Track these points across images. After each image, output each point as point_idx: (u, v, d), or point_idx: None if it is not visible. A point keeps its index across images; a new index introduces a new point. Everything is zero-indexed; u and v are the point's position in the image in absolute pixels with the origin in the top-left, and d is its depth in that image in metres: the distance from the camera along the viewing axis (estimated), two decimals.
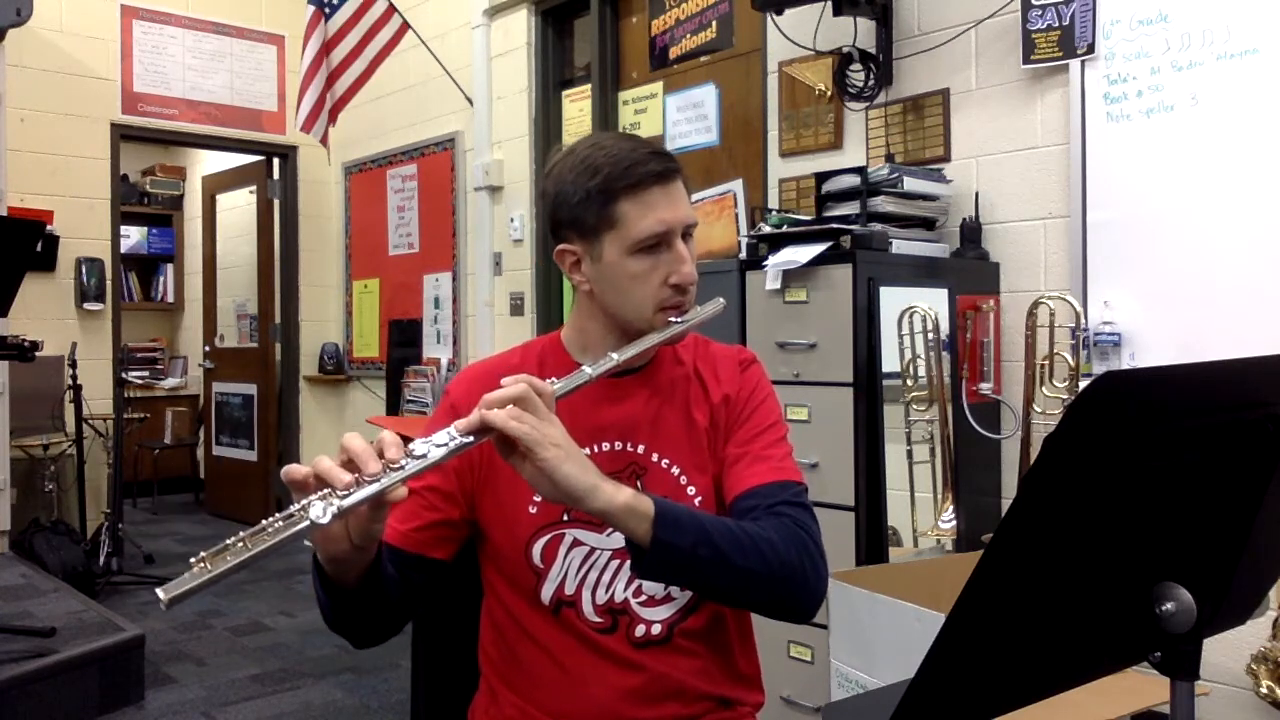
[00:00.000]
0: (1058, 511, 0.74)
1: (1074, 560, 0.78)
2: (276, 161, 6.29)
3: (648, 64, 4.22)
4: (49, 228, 5.23)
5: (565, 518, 1.25)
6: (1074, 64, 2.67)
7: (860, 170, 2.73)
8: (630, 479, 1.26)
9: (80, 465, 5.00)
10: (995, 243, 2.86)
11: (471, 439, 1.03)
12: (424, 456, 0.99)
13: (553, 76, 4.71)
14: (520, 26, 4.75)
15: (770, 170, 3.54)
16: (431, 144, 5.37)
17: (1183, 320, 2.49)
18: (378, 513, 1.00)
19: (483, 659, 1.34)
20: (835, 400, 2.47)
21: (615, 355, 1.17)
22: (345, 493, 0.95)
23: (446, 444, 1.01)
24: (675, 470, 1.28)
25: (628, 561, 1.23)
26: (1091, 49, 2.64)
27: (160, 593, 0.87)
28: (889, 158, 3.05)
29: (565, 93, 4.64)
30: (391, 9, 4.81)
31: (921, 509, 2.61)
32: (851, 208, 2.71)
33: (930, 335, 2.56)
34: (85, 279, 5.45)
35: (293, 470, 0.97)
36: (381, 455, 0.98)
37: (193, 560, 0.89)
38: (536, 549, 1.25)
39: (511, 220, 4.82)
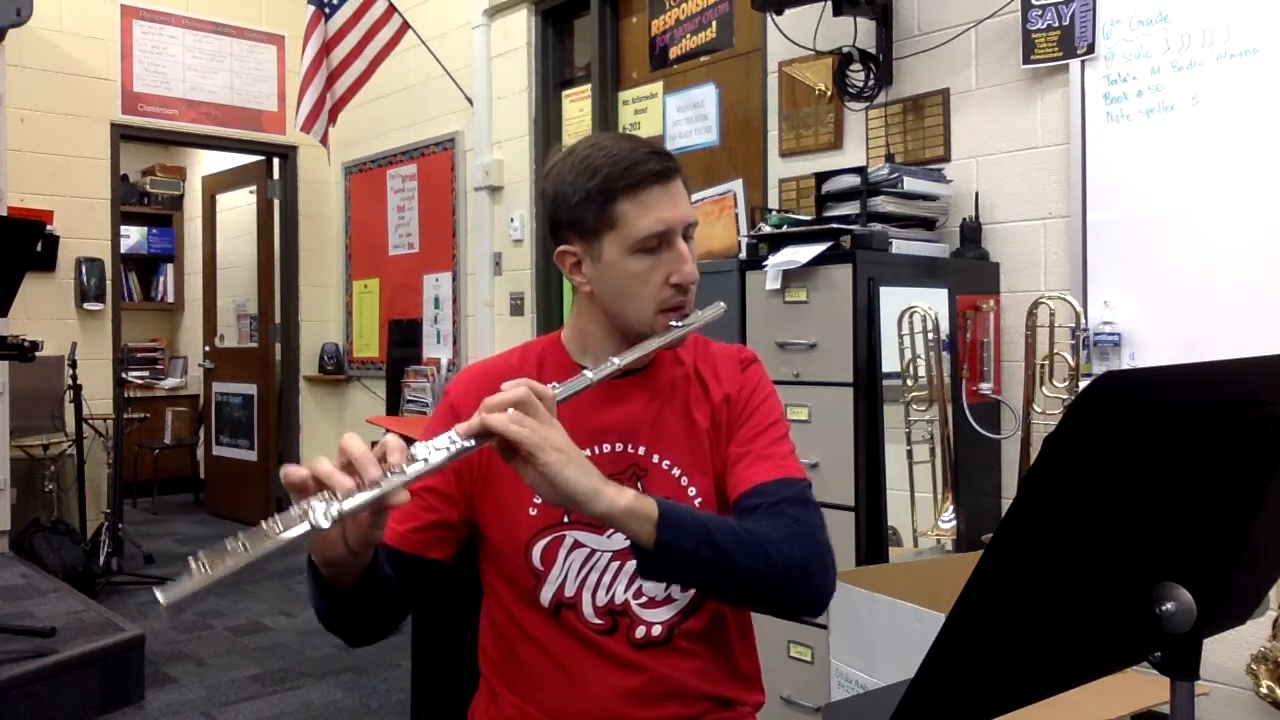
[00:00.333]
0: (1058, 511, 0.74)
1: (1074, 560, 0.78)
2: (276, 161, 6.29)
3: (648, 64, 4.22)
4: (49, 228, 5.23)
5: (565, 519, 1.24)
6: (1074, 64, 2.67)
7: (860, 170, 2.73)
8: (631, 480, 1.26)
9: (80, 465, 5.00)
10: (995, 243, 2.86)
11: (473, 443, 1.02)
12: (425, 461, 0.99)
13: (553, 76, 4.71)
14: (520, 26, 4.75)
15: (770, 170, 3.54)
16: (431, 144, 5.37)
17: (1183, 320, 2.49)
18: (378, 518, 1.00)
19: (483, 659, 1.34)
20: (835, 400, 2.47)
21: (616, 360, 1.17)
22: (346, 497, 0.94)
23: (448, 448, 1.01)
24: (676, 471, 1.28)
25: (628, 563, 1.24)
26: (1091, 49, 2.64)
27: (159, 595, 0.87)
28: (889, 158, 3.05)
29: (565, 93, 4.64)
30: (391, 9, 4.81)
31: (921, 509, 2.61)
32: (851, 208, 2.71)
33: (930, 335, 2.56)
34: (85, 279, 5.45)
35: (292, 472, 0.97)
36: (383, 459, 0.98)
37: (191, 562, 0.88)
38: (536, 551, 1.25)
39: (511, 220, 4.82)
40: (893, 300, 2.51)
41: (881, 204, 2.69)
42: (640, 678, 1.24)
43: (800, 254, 2.50)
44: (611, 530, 1.22)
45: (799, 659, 2.52)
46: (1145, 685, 1.72)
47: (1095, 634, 0.84)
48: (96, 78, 5.50)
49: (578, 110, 4.55)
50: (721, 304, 1.31)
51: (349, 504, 0.94)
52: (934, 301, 2.58)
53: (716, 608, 1.28)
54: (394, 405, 5.24)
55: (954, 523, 2.60)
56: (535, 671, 1.26)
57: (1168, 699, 0.87)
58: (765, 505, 1.20)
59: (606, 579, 1.25)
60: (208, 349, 6.91)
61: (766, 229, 2.71)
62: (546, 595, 1.25)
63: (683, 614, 1.26)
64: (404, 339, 5.41)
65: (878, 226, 2.64)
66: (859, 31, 3.15)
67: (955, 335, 2.66)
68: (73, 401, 4.78)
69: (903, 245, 2.66)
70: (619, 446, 1.28)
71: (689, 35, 4.01)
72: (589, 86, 4.46)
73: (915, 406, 2.60)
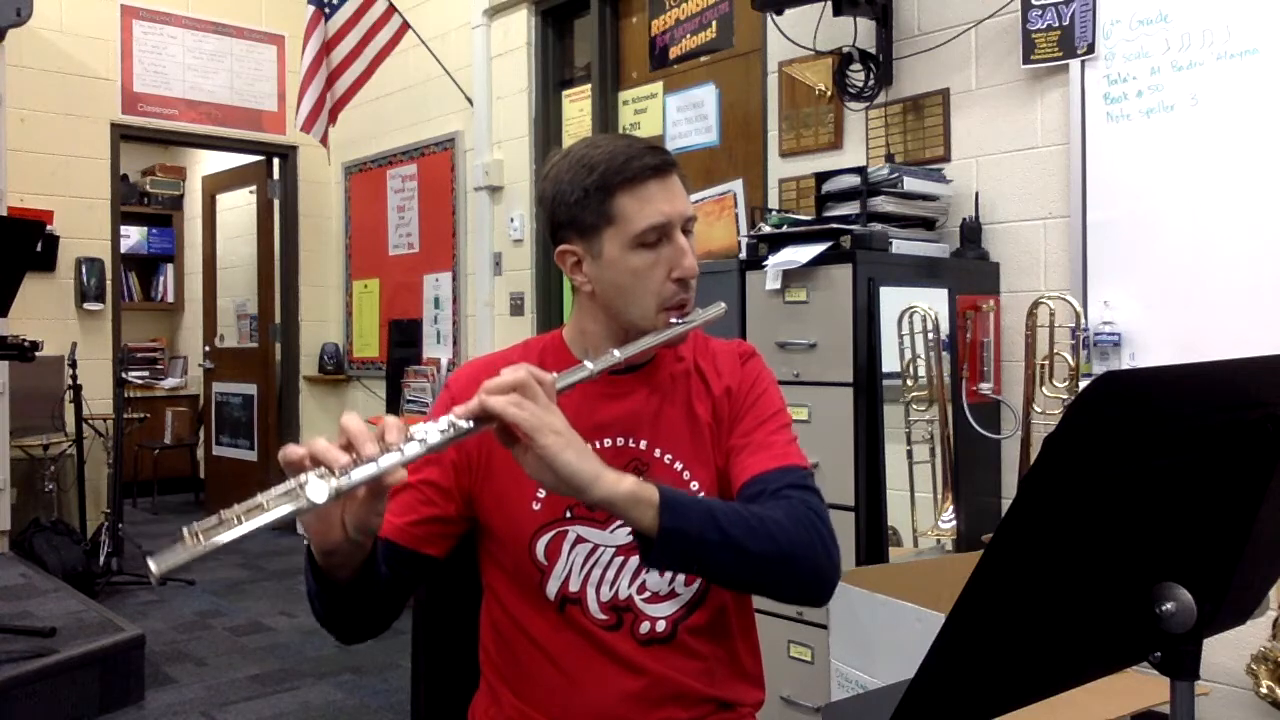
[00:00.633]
0: (1058, 511, 0.74)
1: (1074, 560, 0.78)
2: (276, 161, 6.29)
3: (648, 64, 4.22)
4: (49, 228, 5.23)
5: (568, 514, 1.25)
6: (1074, 64, 2.67)
7: (860, 170, 2.73)
8: (632, 474, 1.26)
9: (80, 465, 4.99)
10: (995, 243, 2.86)
11: (472, 424, 1.02)
12: (423, 440, 0.98)
13: (553, 76, 4.71)
14: (520, 26, 4.75)
15: (770, 170, 3.54)
16: (431, 144, 5.37)
17: (1183, 320, 2.49)
18: (375, 503, 0.99)
19: (483, 659, 1.34)
20: (835, 400, 2.47)
21: (617, 352, 1.17)
22: (343, 472, 0.93)
23: (446, 429, 1.00)
24: (678, 465, 1.28)
25: (632, 558, 1.24)
26: (1091, 49, 2.64)
27: (151, 564, 0.86)
28: (889, 158, 3.05)
29: (565, 93, 4.64)
30: (391, 9, 4.81)
31: (921, 509, 2.61)
32: (851, 208, 2.71)
33: (930, 335, 2.56)
34: (85, 279, 5.45)
35: (290, 451, 0.96)
36: (381, 438, 0.98)
37: (185, 531, 0.87)
38: (540, 546, 1.25)
39: (511, 220, 4.82)
40: (893, 300, 2.51)
41: (881, 204, 2.69)
42: (642, 680, 1.24)
43: (800, 254, 2.50)
44: (615, 525, 1.23)
45: (799, 659, 2.52)
46: (1145, 685, 1.72)
47: (1095, 634, 0.84)
48: (96, 78, 5.50)
49: (578, 110, 4.55)
50: (722, 304, 1.31)
51: (345, 480, 0.93)
52: (934, 301, 2.58)
53: (720, 602, 1.28)
54: (394, 405, 5.24)
55: (954, 523, 2.60)
56: (536, 673, 1.26)
57: (1168, 699, 0.87)
58: (768, 493, 1.20)
59: (610, 574, 1.25)
60: (208, 349, 6.91)
61: (766, 229, 2.71)
62: (552, 589, 1.25)
63: (686, 608, 1.26)
64: (404, 339, 5.41)
65: (878, 226, 2.64)
66: (859, 31, 3.15)
67: (955, 335, 2.66)
68: (73, 401, 4.77)
69: (903, 245, 2.66)
70: (620, 441, 1.28)
71: (689, 35, 4.01)
72: (589, 86, 4.46)
73: (915, 406, 2.60)
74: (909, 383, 2.59)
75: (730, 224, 3.61)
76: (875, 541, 2.46)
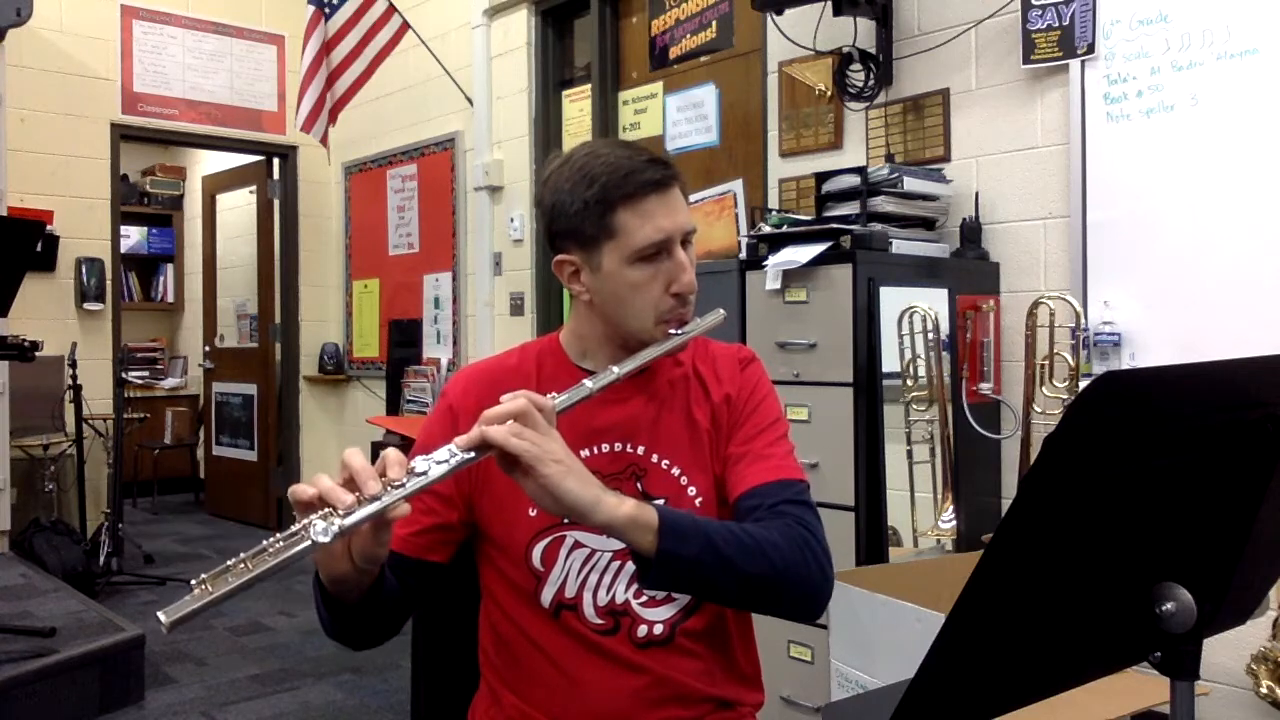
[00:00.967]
0: (1058, 511, 0.74)
1: (1074, 560, 0.78)
2: (276, 161, 6.29)
3: (648, 64, 4.22)
4: (49, 228, 5.23)
5: (565, 519, 1.24)
6: (1074, 64, 2.67)
7: (860, 170, 2.73)
8: (630, 480, 1.26)
9: (80, 465, 4.99)
10: (995, 243, 2.86)
11: (473, 454, 1.03)
12: (425, 474, 1.00)
13: (553, 76, 4.71)
14: (520, 26, 4.75)
15: (770, 170, 3.54)
16: (431, 144, 5.37)
17: (1183, 320, 2.49)
18: (380, 534, 1.00)
19: (483, 660, 1.34)
20: (835, 400, 2.47)
21: (616, 369, 1.17)
22: (346, 512, 0.95)
23: (447, 460, 1.02)
24: (675, 471, 1.28)
25: (629, 563, 1.24)
26: (1091, 49, 2.64)
27: (161, 616, 0.88)
28: (889, 158, 3.05)
29: (565, 93, 4.64)
30: (391, 9, 4.81)
31: (921, 509, 2.61)
32: (851, 208, 2.71)
33: (930, 335, 2.56)
34: (85, 279, 5.45)
35: (299, 491, 0.97)
36: (383, 474, 0.99)
37: (193, 582, 0.90)
38: (537, 552, 1.25)
39: (511, 220, 4.82)
40: (893, 300, 2.51)
41: (881, 204, 2.69)
42: (641, 679, 1.24)
43: (800, 254, 2.50)
44: None
45: (799, 659, 2.52)
46: (1145, 685, 1.72)
47: (1095, 634, 0.84)
48: (96, 78, 5.50)
49: (578, 110, 4.55)
50: (721, 311, 1.31)
51: (349, 520, 0.94)
52: (934, 301, 2.58)
53: (717, 605, 1.28)
54: (394, 405, 5.24)
55: (954, 523, 2.60)
56: (536, 674, 1.26)
57: (1168, 699, 0.87)
58: (764, 507, 1.20)
59: (607, 579, 1.25)
60: (208, 349, 6.91)
61: (766, 229, 2.71)
62: (547, 596, 1.25)
63: (684, 612, 1.26)
64: (404, 339, 5.41)
65: (878, 226, 2.64)
66: (859, 31, 3.15)
67: (955, 335, 2.66)
68: (73, 401, 4.78)
69: (903, 245, 2.66)
70: (618, 446, 1.28)
71: (689, 35, 4.01)
72: (589, 86, 4.46)
73: (915, 406, 2.60)
74: (909, 383, 2.59)
75: (730, 224, 3.61)
76: (875, 541, 2.46)
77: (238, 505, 6.43)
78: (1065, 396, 2.55)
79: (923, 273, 2.64)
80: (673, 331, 1.24)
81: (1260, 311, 2.35)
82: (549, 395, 1.10)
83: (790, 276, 2.55)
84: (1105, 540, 0.79)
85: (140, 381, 7.17)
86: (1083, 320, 2.57)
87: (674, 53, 4.08)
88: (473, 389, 1.29)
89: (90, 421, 5.04)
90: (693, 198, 3.66)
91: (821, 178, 2.84)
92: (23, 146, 5.13)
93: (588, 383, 1.14)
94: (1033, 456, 2.17)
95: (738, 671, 1.32)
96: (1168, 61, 2.51)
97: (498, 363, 1.36)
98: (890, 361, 2.51)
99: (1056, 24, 2.70)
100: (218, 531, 6.15)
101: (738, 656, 1.32)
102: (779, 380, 2.47)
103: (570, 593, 1.25)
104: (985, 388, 2.75)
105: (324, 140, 4.90)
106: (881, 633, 1.97)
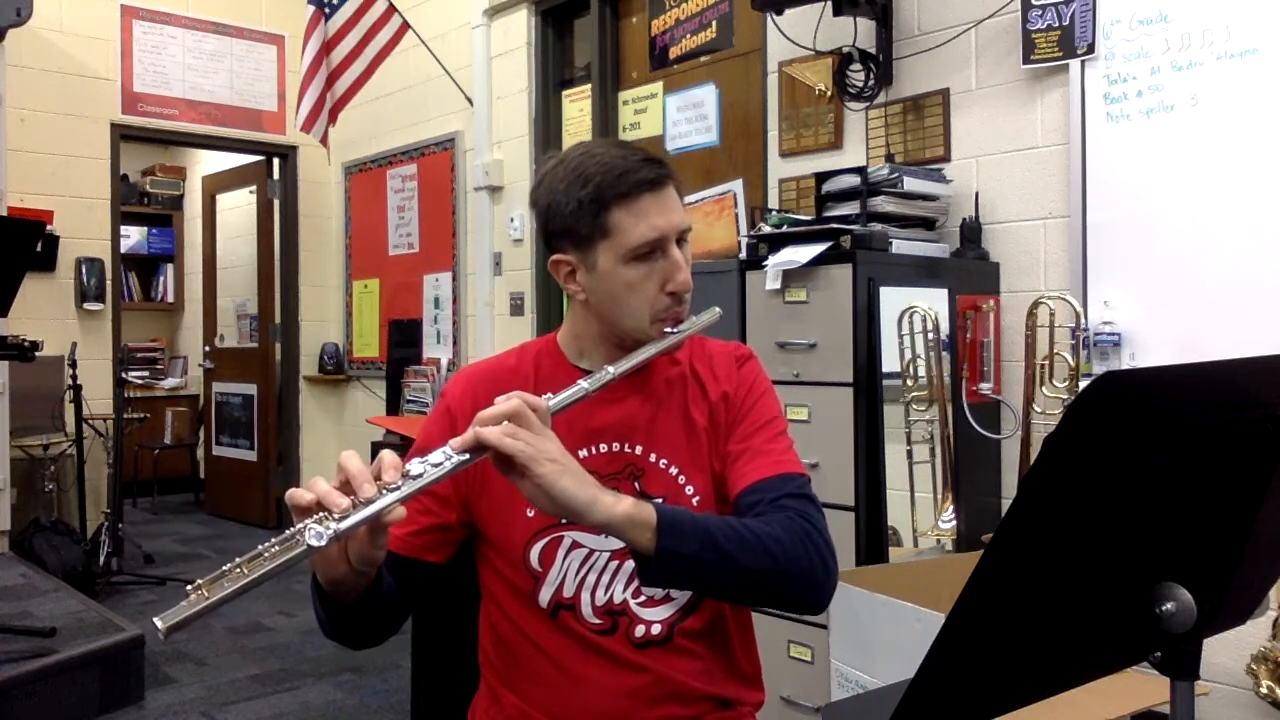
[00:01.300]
0: (1058, 511, 0.74)
1: (1074, 560, 0.78)
2: (276, 161, 6.29)
3: (648, 64, 4.22)
4: (49, 228, 5.23)
5: (563, 520, 1.24)
6: (1074, 64, 2.67)
7: (860, 170, 2.73)
8: (628, 480, 1.26)
9: (80, 465, 4.99)
10: (995, 243, 2.86)
11: (468, 456, 1.03)
12: (420, 477, 1.00)
13: (553, 76, 4.71)
14: (520, 26, 4.75)
15: (770, 170, 3.54)
16: (431, 144, 5.37)
17: (1183, 320, 2.49)
18: (377, 537, 1.00)
19: (482, 660, 1.34)
20: (835, 400, 2.47)
21: (611, 369, 1.17)
22: (341, 516, 0.95)
23: (442, 463, 1.01)
24: (673, 470, 1.28)
25: (627, 562, 1.24)
26: (1091, 49, 2.64)
27: (158, 622, 0.88)
28: (889, 158, 3.05)
29: (565, 93, 4.64)
30: (391, 9, 4.81)
31: (921, 509, 2.61)
32: (851, 208, 2.71)
33: (930, 335, 2.56)
34: (85, 279, 5.45)
35: (296, 495, 0.97)
36: (378, 477, 0.98)
37: (189, 588, 0.89)
38: (534, 552, 1.25)
39: (511, 220, 4.82)
40: (893, 300, 2.51)
41: (881, 204, 2.69)
42: (641, 678, 1.24)
43: (800, 254, 2.50)
44: None
45: (799, 659, 2.52)
46: (1145, 685, 1.72)
47: (1095, 634, 0.84)
48: (96, 78, 5.50)
49: (578, 110, 4.55)
50: (717, 309, 1.31)
51: (344, 524, 0.94)
52: (934, 301, 2.58)
53: (716, 605, 1.28)
54: (394, 405, 5.24)
55: (954, 523, 2.60)
56: (535, 673, 1.26)
57: (1168, 699, 0.87)
58: (765, 501, 1.20)
59: (605, 578, 1.25)
60: (208, 349, 6.91)
61: (766, 229, 2.71)
62: (545, 596, 1.25)
63: (682, 612, 1.26)
64: (404, 339, 5.41)
65: (878, 226, 2.64)
66: (859, 31, 3.15)
67: (955, 335, 2.66)
68: (73, 401, 4.78)
69: (903, 245, 2.66)
70: (615, 446, 1.28)
71: (689, 35, 4.01)
72: (589, 86, 4.46)
73: (915, 406, 2.60)
74: (909, 383, 2.59)
75: (730, 224, 3.61)
76: (875, 541, 2.46)
77: (238, 505, 6.43)
78: (1065, 396, 2.55)
79: (923, 273, 2.64)
80: (669, 330, 1.25)
81: (1260, 311, 2.35)
82: (544, 396, 1.10)
83: (790, 276, 2.55)
84: (1105, 540, 0.79)
85: (140, 381, 7.17)
86: (1083, 320, 2.57)
87: (674, 53, 4.08)
88: (471, 390, 1.29)
89: (90, 421, 5.04)
90: (693, 198, 3.66)
91: (821, 178, 2.84)
92: (23, 146, 5.13)
93: (583, 383, 1.14)
94: (1033, 456, 2.17)
95: (738, 671, 1.32)
96: (1168, 61, 2.51)
97: (496, 364, 1.36)
98: (890, 361, 2.51)
99: (1056, 24, 2.70)
100: (218, 531, 6.15)
101: (737, 656, 1.32)
102: (779, 380, 2.47)
103: (568, 593, 1.25)
104: (985, 388, 2.75)
105: (324, 140, 4.90)
106: (881, 633, 1.97)
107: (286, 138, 6.10)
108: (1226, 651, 2.26)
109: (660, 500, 1.22)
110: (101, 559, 4.71)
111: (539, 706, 1.26)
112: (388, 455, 1.00)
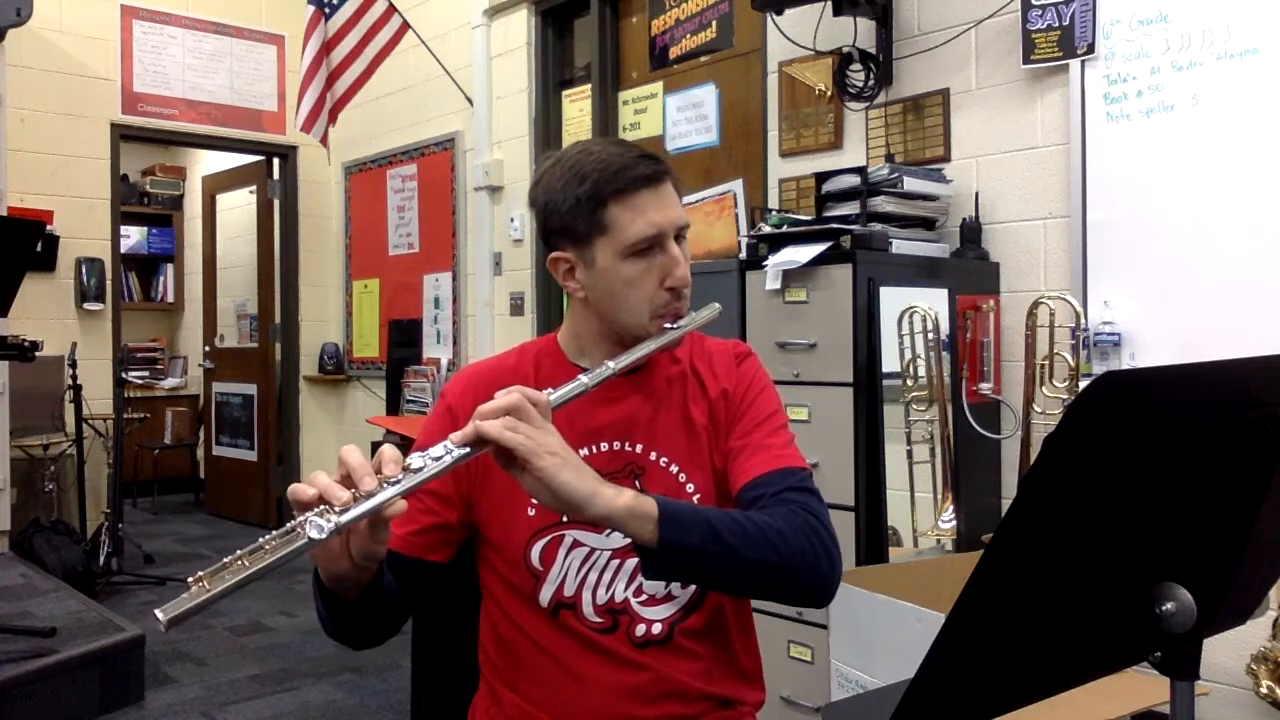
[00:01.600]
0: (1058, 511, 0.74)
1: (1074, 560, 0.78)
2: (276, 161, 6.29)
3: (648, 64, 4.22)
4: (49, 228, 5.23)
5: (564, 519, 1.24)
6: (1074, 64, 2.67)
7: (860, 170, 2.73)
8: (628, 479, 1.26)
9: (80, 465, 4.99)
10: (995, 243, 2.86)
11: (468, 450, 1.03)
12: (420, 470, 0.99)
13: (553, 76, 4.71)
14: (520, 26, 4.75)
15: (770, 170, 3.54)
16: (431, 144, 5.37)
17: (1183, 320, 2.49)
18: (378, 531, 1.00)
19: (483, 659, 1.34)
20: (835, 400, 2.47)
21: (611, 364, 1.17)
22: (342, 509, 0.94)
23: (443, 457, 1.01)
24: (674, 468, 1.28)
25: (628, 561, 1.24)
26: (1091, 49, 2.64)
27: (159, 614, 0.88)
28: (889, 158, 3.05)
29: (565, 93, 4.64)
30: (391, 9, 4.81)
31: (921, 509, 2.61)
32: (851, 208, 2.71)
33: (930, 335, 2.56)
34: (85, 279, 5.45)
35: (298, 491, 0.97)
36: (379, 471, 0.98)
37: (190, 580, 0.89)
38: (535, 551, 1.25)
39: (511, 220, 4.82)
40: (893, 300, 2.51)
41: (881, 204, 2.69)
42: (641, 676, 1.24)
43: (800, 254, 2.50)
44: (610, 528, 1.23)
45: (799, 659, 2.52)
46: (1145, 685, 1.72)
47: (1095, 634, 0.84)
48: (96, 78, 5.50)
49: (578, 110, 4.55)
50: (716, 305, 1.32)
51: (345, 517, 0.94)
52: (934, 301, 2.58)
53: (717, 604, 1.28)
54: (394, 405, 5.24)
55: (954, 523, 2.60)
56: (536, 671, 1.26)
57: (1168, 699, 0.87)
58: (768, 496, 1.20)
59: (606, 577, 1.25)
60: (208, 349, 6.91)
61: (766, 229, 2.71)
62: (546, 595, 1.25)
63: (683, 611, 1.26)
64: (404, 339, 5.41)
65: (878, 226, 2.64)
66: (859, 31, 3.15)
67: (955, 335, 2.66)
68: (73, 401, 4.77)
69: (903, 245, 2.66)
70: (616, 445, 1.28)
71: (689, 35, 4.01)
72: (589, 86, 4.46)
73: (915, 406, 2.60)
74: (909, 383, 2.59)
75: (730, 224, 3.61)
76: (875, 541, 2.46)
77: (238, 505, 6.43)
78: (1065, 396, 2.55)
79: (923, 273, 2.64)
80: (668, 326, 1.25)
81: (1260, 311, 2.35)
82: (545, 390, 1.10)
83: (790, 276, 2.55)
84: (1105, 540, 0.79)
85: (140, 381, 7.17)
86: (1083, 320, 2.57)
87: (674, 53, 4.08)
88: (471, 389, 1.29)
89: (90, 421, 5.04)
90: (693, 198, 3.66)
91: (821, 178, 2.84)
92: (23, 146, 5.13)
93: (583, 378, 1.14)
94: (1033, 456, 2.17)
95: (738, 670, 1.32)
96: (1168, 61, 2.51)
97: (496, 363, 1.36)
98: (890, 361, 2.51)
99: (1056, 24, 2.70)
100: (218, 531, 6.15)
101: (738, 655, 1.32)
102: (779, 380, 2.47)
103: (569, 591, 1.25)
104: (985, 388, 2.75)
105: (324, 140, 4.90)
106: (881, 633, 1.97)
107: (286, 138, 6.10)
108: (1226, 651, 2.26)
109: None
110: (101, 559, 4.71)
111: (539, 705, 1.26)
112: (388, 449, 1.00)
